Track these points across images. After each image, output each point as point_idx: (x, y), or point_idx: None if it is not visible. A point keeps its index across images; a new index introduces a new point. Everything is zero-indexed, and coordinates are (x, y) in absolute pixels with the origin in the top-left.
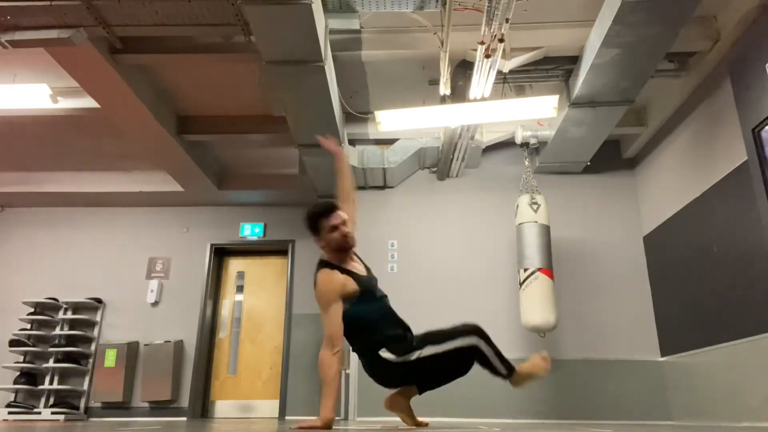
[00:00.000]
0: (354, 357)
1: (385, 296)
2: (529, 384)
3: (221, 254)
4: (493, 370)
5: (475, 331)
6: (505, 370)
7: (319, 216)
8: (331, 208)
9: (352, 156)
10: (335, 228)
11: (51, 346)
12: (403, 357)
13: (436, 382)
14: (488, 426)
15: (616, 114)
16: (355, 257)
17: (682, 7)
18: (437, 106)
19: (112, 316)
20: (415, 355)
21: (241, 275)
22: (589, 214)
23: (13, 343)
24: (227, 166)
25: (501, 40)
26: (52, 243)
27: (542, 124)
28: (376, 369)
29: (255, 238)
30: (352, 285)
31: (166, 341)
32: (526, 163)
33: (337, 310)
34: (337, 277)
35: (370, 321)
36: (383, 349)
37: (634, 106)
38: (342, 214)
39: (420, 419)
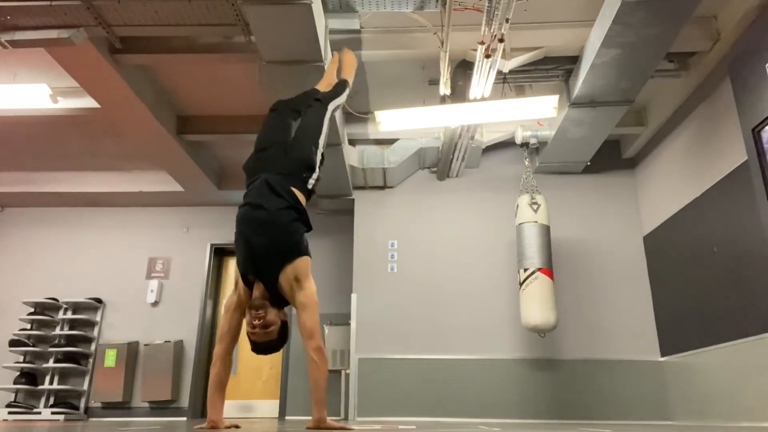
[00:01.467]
0: (354, 357)
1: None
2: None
3: (221, 254)
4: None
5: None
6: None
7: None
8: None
9: (352, 156)
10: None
11: (51, 346)
12: (316, 167)
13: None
14: (488, 426)
15: (616, 114)
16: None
17: (682, 7)
18: (437, 106)
19: (112, 316)
20: (320, 153)
21: None
22: (589, 214)
23: (13, 343)
24: (227, 166)
25: (501, 40)
26: (52, 243)
27: (542, 124)
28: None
29: None
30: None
31: (166, 341)
32: (526, 163)
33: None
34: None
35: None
36: (304, 187)
37: (634, 106)
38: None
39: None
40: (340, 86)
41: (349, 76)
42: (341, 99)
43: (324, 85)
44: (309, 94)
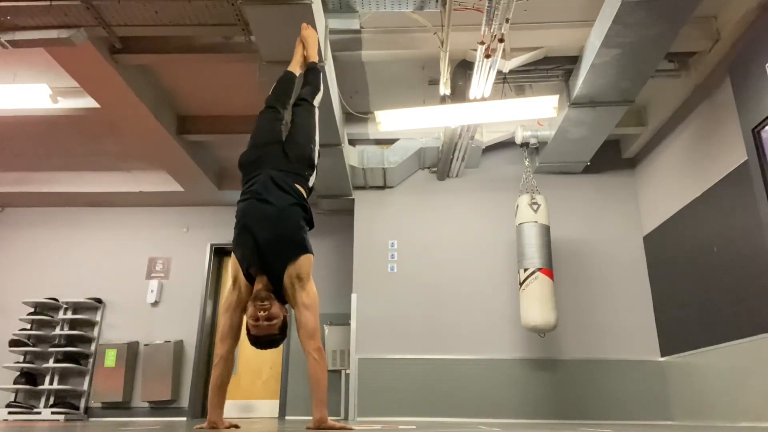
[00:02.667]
0: (354, 357)
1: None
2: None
3: (221, 254)
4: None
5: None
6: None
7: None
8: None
9: (352, 156)
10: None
11: (51, 346)
12: (315, 166)
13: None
14: (488, 426)
15: (616, 114)
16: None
17: (682, 7)
18: (437, 106)
19: (112, 316)
20: (317, 151)
21: None
22: (589, 214)
23: (13, 343)
24: (227, 166)
25: (501, 40)
26: (52, 243)
27: (542, 124)
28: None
29: None
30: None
31: (166, 341)
32: (526, 163)
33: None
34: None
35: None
36: (306, 185)
37: (634, 106)
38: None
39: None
40: (314, 77)
41: (314, 56)
42: (321, 91)
43: (295, 66)
44: (287, 80)
